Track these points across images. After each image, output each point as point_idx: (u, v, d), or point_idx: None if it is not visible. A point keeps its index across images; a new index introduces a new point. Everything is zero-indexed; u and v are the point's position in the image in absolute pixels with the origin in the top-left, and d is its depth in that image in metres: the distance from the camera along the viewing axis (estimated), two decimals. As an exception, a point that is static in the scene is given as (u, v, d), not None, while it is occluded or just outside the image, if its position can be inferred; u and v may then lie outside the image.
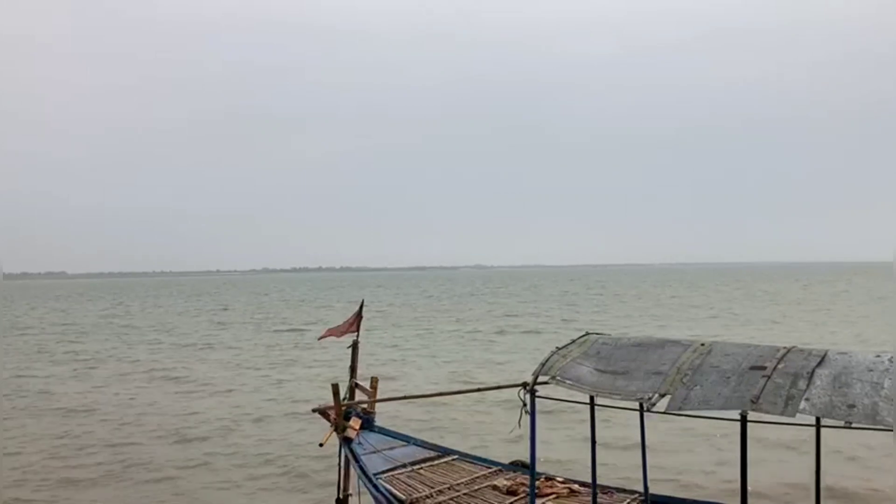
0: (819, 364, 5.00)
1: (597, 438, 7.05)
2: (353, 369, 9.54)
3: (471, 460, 8.83)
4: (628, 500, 7.40)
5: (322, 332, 10.15)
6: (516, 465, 8.57)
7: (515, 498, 7.51)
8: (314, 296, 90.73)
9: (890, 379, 4.62)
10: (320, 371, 23.24)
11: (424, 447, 9.12)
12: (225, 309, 64.38)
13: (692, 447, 12.66)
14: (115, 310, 67.11)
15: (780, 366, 5.09)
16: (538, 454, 6.45)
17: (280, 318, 50.66)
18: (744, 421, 4.96)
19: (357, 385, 9.42)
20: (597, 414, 6.93)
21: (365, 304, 10.55)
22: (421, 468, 8.42)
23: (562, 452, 12.23)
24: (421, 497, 7.57)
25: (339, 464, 8.99)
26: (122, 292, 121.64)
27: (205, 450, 13.67)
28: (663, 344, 6.01)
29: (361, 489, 8.30)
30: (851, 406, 4.53)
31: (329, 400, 8.79)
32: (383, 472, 8.19)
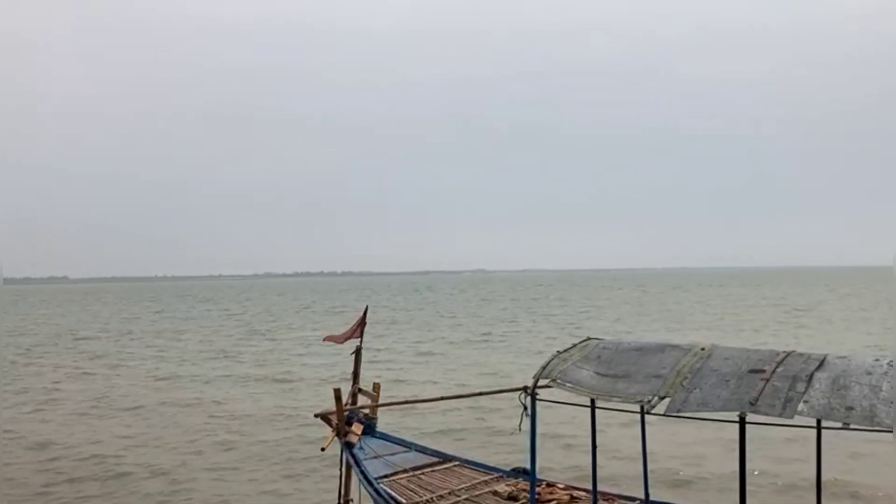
0: (818, 367, 5.03)
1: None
2: (355, 374, 9.55)
3: (472, 466, 8.83)
4: None
5: (326, 336, 10.15)
6: (517, 472, 8.57)
7: None
8: (308, 300, 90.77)
9: (888, 382, 4.65)
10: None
11: (426, 453, 9.12)
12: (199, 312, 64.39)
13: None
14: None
15: (779, 369, 5.12)
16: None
17: (273, 325, 50.61)
18: (742, 423, 4.99)
19: (360, 390, 9.44)
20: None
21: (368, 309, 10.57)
22: (422, 473, 8.43)
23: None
24: (421, 502, 7.58)
25: (341, 468, 9.00)
26: (127, 296, 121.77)
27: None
28: (663, 348, 6.04)
29: (362, 494, 8.32)
30: (850, 408, 4.56)
31: (331, 404, 8.81)
32: (384, 476, 8.20)
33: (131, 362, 28.75)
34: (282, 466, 12.71)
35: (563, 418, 13.39)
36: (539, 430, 6.23)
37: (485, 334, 37.00)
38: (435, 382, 21.71)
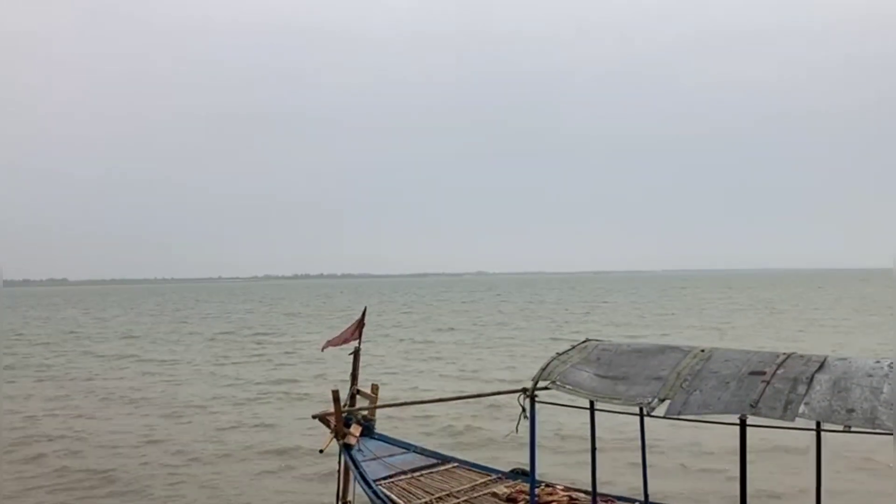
0: (819, 369, 5.04)
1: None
2: (353, 376, 9.55)
3: (471, 467, 8.83)
4: None
5: (323, 343, 10.15)
6: (516, 473, 8.56)
7: (515, 505, 7.51)
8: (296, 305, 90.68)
9: (889, 384, 4.65)
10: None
11: (424, 454, 9.12)
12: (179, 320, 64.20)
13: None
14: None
15: (779, 371, 5.13)
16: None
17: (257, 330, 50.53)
18: (743, 425, 4.98)
19: (358, 391, 9.43)
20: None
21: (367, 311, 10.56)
22: (420, 475, 8.43)
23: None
24: None
25: (339, 470, 8.99)
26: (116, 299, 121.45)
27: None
28: (663, 350, 6.05)
29: (361, 495, 8.30)
30: (850, 410, 4.57)
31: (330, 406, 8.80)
32: (383, 478, 8.19)
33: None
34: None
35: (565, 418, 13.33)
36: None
37: (484, 341, 36.77)
38: (436, 388, 21.63)
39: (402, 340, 35.73)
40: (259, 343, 36.05)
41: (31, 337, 43.25)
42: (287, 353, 31.02)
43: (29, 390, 21.45)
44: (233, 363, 27.72)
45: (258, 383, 21.96)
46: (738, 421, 4.97)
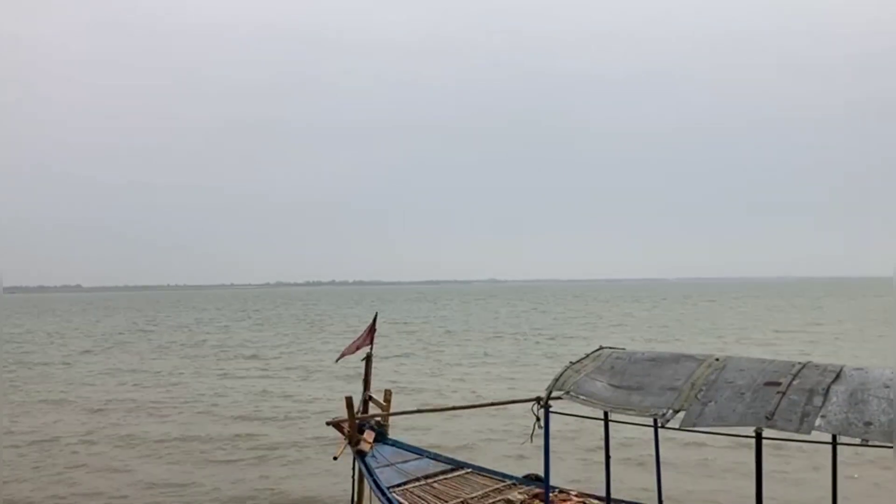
0: (835, 380, 5.00)
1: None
2: (366, 382, 9.59)
3: (484, 474, 8.83)
4: None
5: (340, 353, 10.17)
6: (530, 479, 8.56)
7: (529, 512, 7.51)
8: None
9: None
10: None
11: (438, 460, 9.13)
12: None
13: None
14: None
15: (795, 382, 5.09)
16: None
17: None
18: (759, 438, 4.95)
19: (371, 398, 9.47)
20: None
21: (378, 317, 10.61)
22: (434, 481, 8.44)
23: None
24: None
25: (353, 477, 9.02)
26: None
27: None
28: (677, 359, 6.03)
29: (375, 502, 8.33)
30: (868, 423, 4.52)
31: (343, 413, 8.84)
32: (397, 485, 8.22)
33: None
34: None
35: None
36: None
37: (490, 350, 36.59)
38: (442, 394, 21.60)
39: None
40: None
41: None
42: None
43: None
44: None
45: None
46: (753, 433, 4.95)
